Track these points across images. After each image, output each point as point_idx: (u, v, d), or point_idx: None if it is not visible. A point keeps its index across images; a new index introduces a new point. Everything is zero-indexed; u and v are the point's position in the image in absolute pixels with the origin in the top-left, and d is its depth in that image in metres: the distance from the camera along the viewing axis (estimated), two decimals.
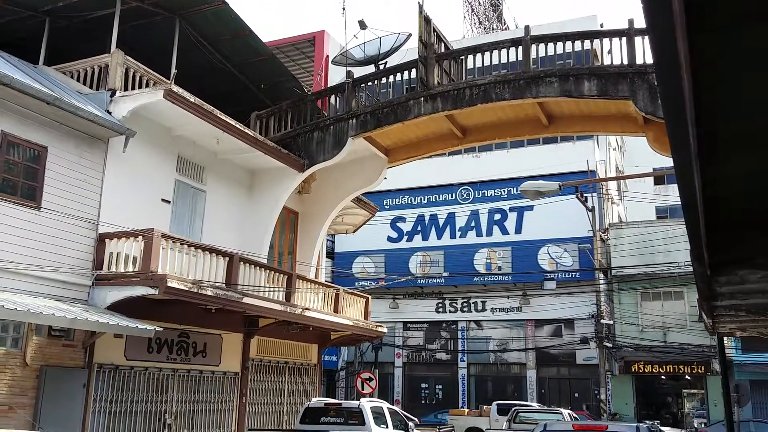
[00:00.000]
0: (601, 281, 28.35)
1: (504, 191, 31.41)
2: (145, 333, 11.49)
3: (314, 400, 15.07)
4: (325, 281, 20.45)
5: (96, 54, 13.48)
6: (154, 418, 13.15)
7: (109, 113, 12.59)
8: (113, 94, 12.85)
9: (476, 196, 32.12)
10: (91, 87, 13.34)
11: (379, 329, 19.60)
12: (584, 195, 26.33)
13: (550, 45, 15.88)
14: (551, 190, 13.70)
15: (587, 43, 15.57)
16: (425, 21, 16.44)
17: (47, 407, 11.02)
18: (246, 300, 13.72)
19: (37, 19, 14.09)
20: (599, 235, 28.03)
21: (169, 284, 11.73)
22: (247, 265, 14.21)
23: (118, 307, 11.81)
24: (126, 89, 13.13)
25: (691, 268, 4.72)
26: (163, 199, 14.03)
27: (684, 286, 25.60)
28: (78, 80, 13.54)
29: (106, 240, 12.27)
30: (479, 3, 43.99)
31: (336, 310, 17.45)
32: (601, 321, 26.97)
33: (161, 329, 11.87)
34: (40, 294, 11.07)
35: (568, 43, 15.59)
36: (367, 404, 14.03)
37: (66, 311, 10.30)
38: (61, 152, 11.82)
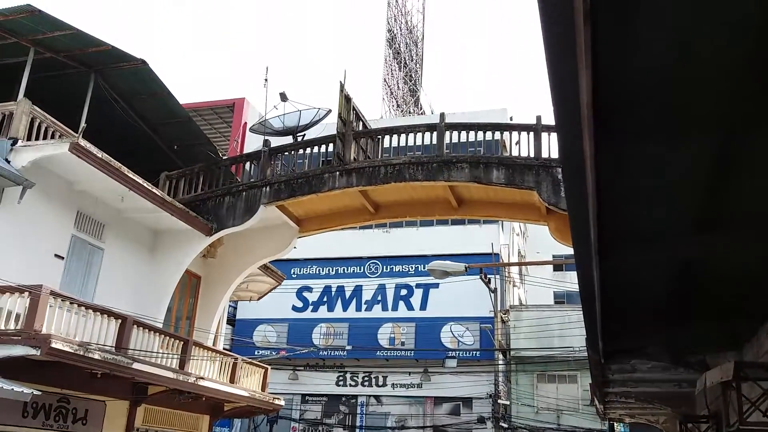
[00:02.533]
0: (500, 361, 28.86)
1: (411, 267, 31.81)
2: (21, 396, 10.58)
3: None
4: (224, 349, 19.73)
5: (2, 101, 12.91)
6: None
7: (8, 162, 11.96)
8: (15, 142, 12.26)
9: (384, 270, 32.35)
10: None
11: (276, 402, 18.96)
12: (488, 276, 27.10)
13: (463, 133, 16.64)
14: (457, 271, 14.09)
15: (497, 134, 16.42)
16: (346, 99, 16.88)
17: None
18: (136, 366, 12.97)
19: None
20: (500, 316, 28.73)
21: (53, 345, 10.96)
22: (141, 328, 13.53)
23: None
24: (30, 139, 12.57)
25: (586, 353, 4.91)
26: (56, 255, 13.28)
27: (578, 371, 26.43)
28: None
29: None
30: (398, 87, 45.68)
31: (232, 380, 16.78)
32: (498, 401, 27.28)
33: (39, 393, 10.96)
34: None
35: (480, 133, 16.38)
36: None
37: None
38: None
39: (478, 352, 29.82)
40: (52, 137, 13.12)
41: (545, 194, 14.80)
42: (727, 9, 2.14)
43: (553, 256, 25.68)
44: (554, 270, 38.10)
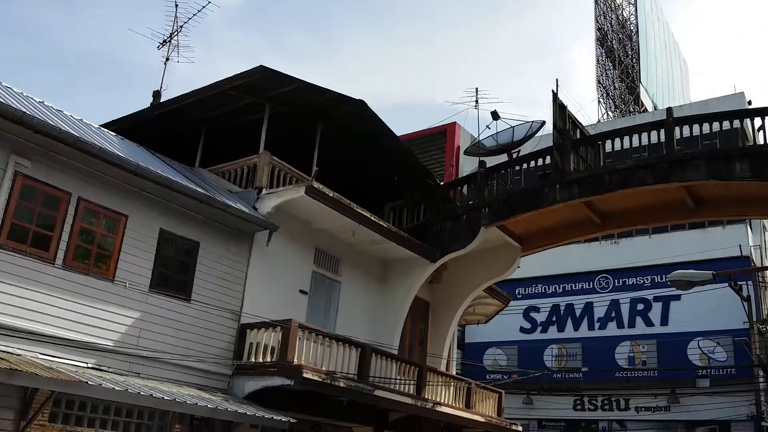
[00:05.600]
0: (761, 379, 25.38)
1: (647, 279, 29.54)
2: (280, 424, 11.57)
3: None
4: (456, 373, 19.86)
5: (244, 155, 14.46)
6: None
7: (256, 209, 13.31)
8: (260, 191, 13.63)
9: (616, 284, 30.40)
10: (240, 185, 14.27)
11: (514, 427, 18.57)
12: (738, 283, 24.14)
13: (695, 126, 15.13)
14: (705, 279, 12.61)
15: (735, 123, 14.66)
16: (560, 108, 16.28)
17: None
18: (377, 393, 13.55)
19: (194, 127, 15.43)
20: (757, 327, 25.34)
21: (304, 375, 11.85)
22: (379, 356, 14.12)
23: (255, 397, 12.04)
24: (271, 186, 13.89)
25: None
26: (300, 290, 14.42)
27: None
28: (229, 180, 14.54)
29: (247, 330, 12.69)
30: (614, 87, 43.21)
31: (468, 405, 16.79)
32: (762, 423, 23.98)
33: (294, 421, 11.89)
34: (184, 383, 11.53)
35: (715, 124, 14.78)
36: None
37: (208, 400, 10.62)
38: (211, 247, 12.57)
39: (733, 370, 26.62)
40: (290, 183, 14.36)
41: None
42: None
43: None
44: None
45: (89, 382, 8.90)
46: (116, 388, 9.23)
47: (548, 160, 16.53)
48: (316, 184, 13.37)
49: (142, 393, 9.51)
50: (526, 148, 18.76)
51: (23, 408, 9.38)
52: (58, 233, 10.31)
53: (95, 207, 10.88)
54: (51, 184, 10.32)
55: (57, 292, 10.08)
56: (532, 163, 17.22)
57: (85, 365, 10.15)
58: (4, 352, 9.08)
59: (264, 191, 13.65)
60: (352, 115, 15.15)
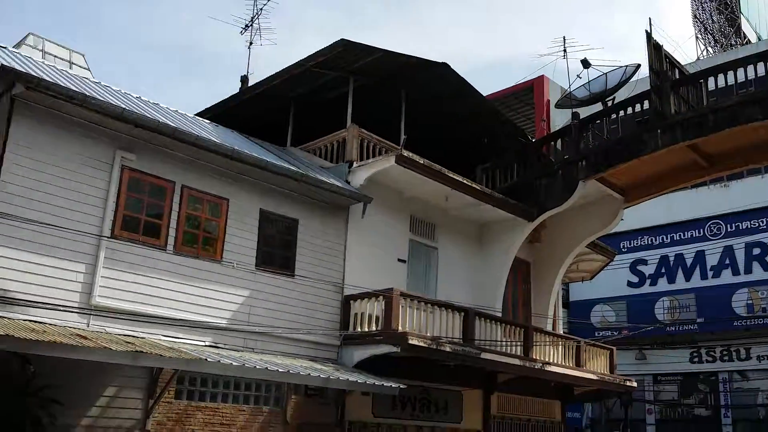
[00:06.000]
0: None
1: (762, 222, 27.76)
2: (390, 390, 11.79)
3: None
4: (563, 333, 19.51)
5: (332, 131, 14.61)
6: None
7: (348, 183, 13.47)
8: (351, 165, 13.77)
9: (728, 229, 28.72)
10: (331, 161, 14.45)
11: (628, 383, 18.10)
12: None
13: None
14: None
15: None
16: (655, 48, 15.36)
17: None
18: (484, 355, 13.54)
19: (283, 108, 15.72)
20: None
21: (410, 342, 11.99)
22: (483, 319, 14.07)
23: (364, 365, 12.32)
24: (361, 159, 13.99)
25: None
26: (399, 259, 14.52)
27: None
28: (320, 156, 14.76)
29: (351, 301, 12.96)
30: (713, 20, 40.27)
31: (578, 364, 16.49)
32: None
33: (404, 387, 12.08)
34: (296, 355, 11.95)
35: None
36: None
37: (320, 371, 10.96)
38: (310, 223, 12.87)
39: None
40: (379, 153, 14.40)
41: None
42: None
43: None
44: None
45: (208, 359, 9.37)
46: (233, 363, 9.68)
47: (646, 104, 15.75)
48: (405, 153, 13.34)
49: (257, 367, 9.92)
50: (621, 95, 17.90)
51: (150, 387, 10.05)
52: (167, 221, 10.85)
53: (198, 193, 11.35)
54: (155, 174, 10.84)
55: (171, 277, 10.64)
56: (629, 110, 16.46)
57: (202, 344, 10.70)
58: (128, 336, 9.72)
59: (355, 164, 13.77)
60: (436, 79, 14.93)
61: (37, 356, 8.29)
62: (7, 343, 7.52)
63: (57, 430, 8.81)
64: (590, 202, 17.00)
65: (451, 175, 14.33)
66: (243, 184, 11.97)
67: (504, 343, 14.39)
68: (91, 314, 9.64)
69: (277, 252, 12.33)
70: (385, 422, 13.28)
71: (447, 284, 15.40)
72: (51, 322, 9.12)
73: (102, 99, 10.05)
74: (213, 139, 11.54)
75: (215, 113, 15.47)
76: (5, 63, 9.48)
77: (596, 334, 25.51)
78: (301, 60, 14.26)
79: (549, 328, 17.06)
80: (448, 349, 12.81)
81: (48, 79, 9.53)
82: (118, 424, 9.70)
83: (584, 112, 17.81)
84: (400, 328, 12.20)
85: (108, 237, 10.00)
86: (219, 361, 9.52)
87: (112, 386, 9.70)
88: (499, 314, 15.39)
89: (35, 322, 8.93)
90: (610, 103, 17.90)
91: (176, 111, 12.78)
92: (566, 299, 30.30)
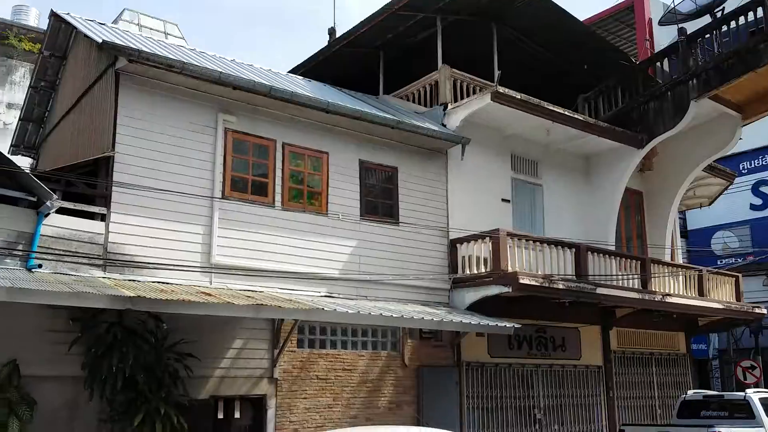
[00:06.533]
0: None
1: None
2: (505, 330, 11.75)
3: (690, 392, 13.93)
4: (683, 262, 18.63)
5: (423, 74, 14.36)
6: (524, 414, 13.38)
7: (444, 126, 13.27)
8: (445, 107, 13.52)
9: None
10: (425, 105, 14.26)
11: (756, 310, 17.12)
12: None
13: None
14: None
15: None
16: None
17: (427, 404, 11.95)
18: (599, 290, 13.18)
19: (373, 55, 15.60)
20: None
21: (521, 281, 11.84)
22: (595, 254, 13.65)
23: (475, 307, 12.31)
24: (455, 100, 13.70)
25: None
26: (502, 199, 14.26)
27: None
28: (413, 101, 14.59)
29: (457, 245, 12.90)
30: None
31: (701, 294, 15.73)
32: None
33: (519, 326, 12.01)
34: (408, 300, 12.10)
35: None
36: (754, 395, 12.43)
37: (433, 314, 11.05)
38: (409, 169, 12.82)
39: None
40: (473, 93, 14.04)
41: None
42: None
43: None
44: None
45: (325, 309, 9.65)
46: (349, 311, 9.92)
47: (759, 12, 14.42)
48: (500, 89, 12.92)
49: (372, 313, 10.13)
50: (730, 5, 16.44)
51: (274, 338, 10.51)
52: (272, 178, 11.12)
53: (298, 149, 11.53)
54: (256, 134, 11.09)
55: (281, 232, 10.96)
56: (741, 20, 15.08)
57: (318, 294, 11.02)
58: (248, 291, 10.15)
59: (449, 106, 13.51)
60: (527, 8, 14.29)
61: (168, 315, 8.85)
62: (142, 304, 8.04)
63: (193, 381, 9.43)
64: (704, 123, 15.96)
65: (551, 108, 13.79)
66: (341, 137, 12.05)
67: (620, 277, 13.93)
68: (212, 272, 10.13)
69: (379, 201, 12.40)
70: (503, 362, 13.29)
71: (554, 221, 15.00)
72: (177, 282, 9.66)
73: (199, 65, 10.33)
74: (307, 94, 11.64)
75: (307, 68, 15.61)
76: (106, 39, 9.91)
77: (718, 263, 24.28)
78: (386, 5, 14.04)
79: (667, 259, 16.32)
80: (561, 286, 12.55)
81: (147, 50, 9.87)
82: (248, 373, 10.24)
83: (691, 27, 16.52)
84: (509, 268, 12.05)
85: (219, 198, 10.40)
86: (335, 309, 9.79)
87: (238, 339, 10.22)
88: (612, 248, 14.86)
89: (162, 283, 9.49)
90: (719, 15, 16.52)
91: (269, 70, 12.96)
92: (684, 228, 28.76)
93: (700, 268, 16.38)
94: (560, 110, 14.02)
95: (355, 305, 10.60)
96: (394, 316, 10.29)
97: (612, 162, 15.65)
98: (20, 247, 8.63)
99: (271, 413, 10.34)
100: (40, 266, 8.63)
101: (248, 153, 11.00)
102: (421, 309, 11.48)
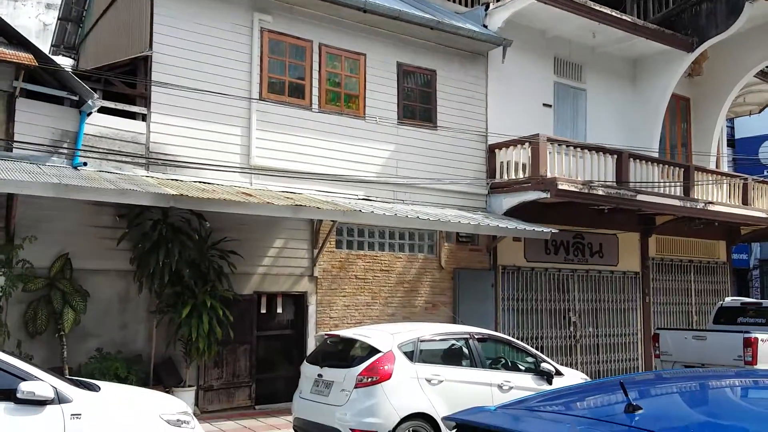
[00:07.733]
0: None
1: None
2: (542, 235, 11.78)
3: (728, 299, 13.89)
4: (728, 171, 18.16)
5: None
6: (559, 316, 13.58)
7: (486, 27, 12.84)
8: (487, 7, 13.05)
9: None
10: (465, 5, 13.79)
11: None
12: None
13: None
14: None
15: None
16: None
17: (463, 305, 12.20)
18: (640, 197, 12.99)
19: None
20: None
21: (560, 187, 11.73)
22: (638, 161, 13.37)
23: (512, 213, 12.31)
24: (498, 0, 13.19)
25: None
26: (544, 104, 13.94)
27: None
28: (453, 1, 14.09)
29: (496, 150, 12.76)
30: None
31: (744, 203, 15.39)
32: None
33: (556, 231, 12.01)
34: (444, 205, 12.14)
35: None
36: None
37: (470, 219, 11.10)
38: (448, 73, 12.54)
39: None
40: None
41: None
42: None
43: None
44: None
45: (362, 210, 9.76)
46: (387, 213, 10.02)
47: None
48: None
49: (409, 216, 10.22)
50: None
51: (313, 238, 10.73)
52: (309, 80, 11.02)
53: (335, 50, 11.34)
54: (293, 35, 10.91)
55: (319, 135, 10.96)
56: None
57: (355, 197, 11.12)
58: (287, 192, 10.29)
59: (491, 6, 13.03)
60: None
61: (210, 214, 9.07)
62: (184, 203, 8.25)
63: (237, 277, 9.76)
64: (759, 26, 15.15)
65: (597, 8, 13.20)
66: (378, 38, 11.77)
67: (662, 184, 13.68)
68: (252, 173, 10.26)
69: (417, 105, 12.23)
70: (539, 266, 13.39)
71: (597, 127, 14.66)
72: (218, 182, 9.84)
73: None
74: None
75: None
76: None
77: (765, 173, 23.59)
78: None
79: (712, 167, 15.92)
80: (600, 192, 12.41)
81: None
82: (289, 271, 10.55)
83: None
84: (548, 173, 11.92)
85: (257, 99, 10.39)
86: (372, 211, 9.89)
87: (279, 238, 10.47)
88: (656, 155, 14.53)
89: (204, 183, 9.68)
90: None
91: None
92: (731, 136, 27.85)
93: (746, 176, 15.96)
94: (607, 11, 13.42)
95: (392, 208, 10.68)
96: (431, 219, 10.36)
97: (660, 66, 15.06)
98: (65, 145, 8.84)
99: (312, 309, 10.72)
100: (85, 164, 8.86)
101: (285, 54, 10.87)
102: (457, 213, 11.52)
